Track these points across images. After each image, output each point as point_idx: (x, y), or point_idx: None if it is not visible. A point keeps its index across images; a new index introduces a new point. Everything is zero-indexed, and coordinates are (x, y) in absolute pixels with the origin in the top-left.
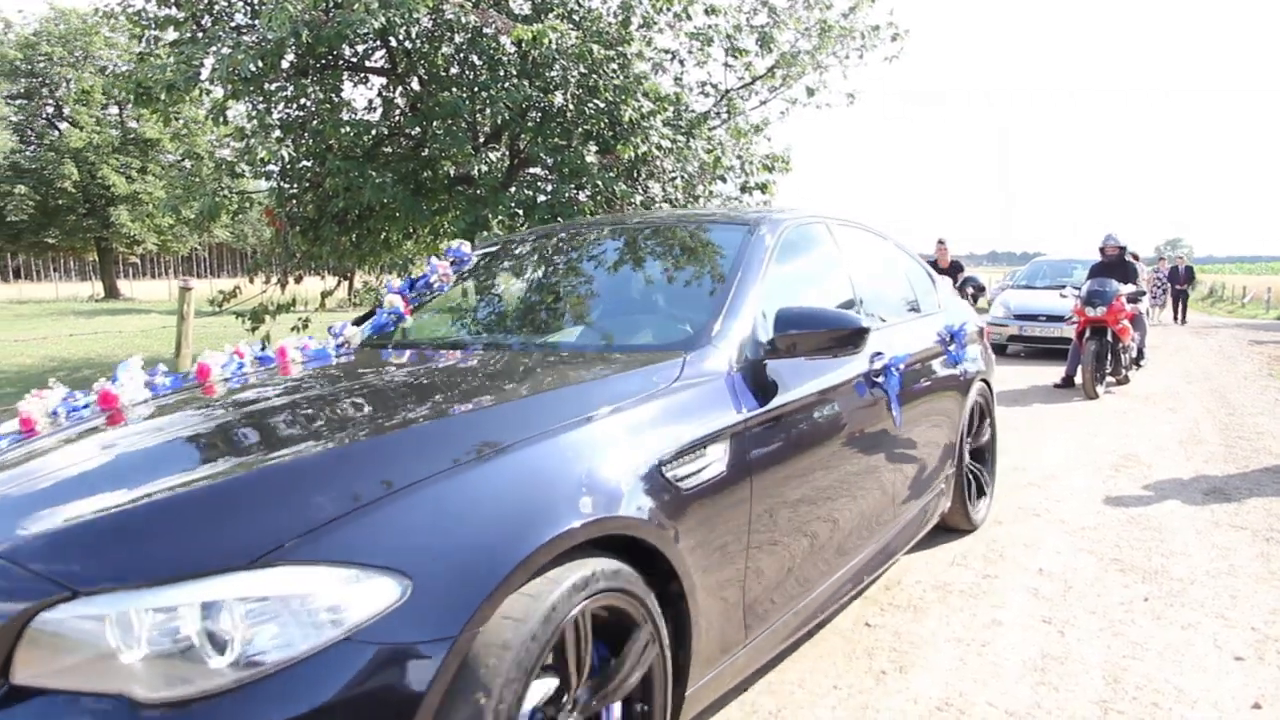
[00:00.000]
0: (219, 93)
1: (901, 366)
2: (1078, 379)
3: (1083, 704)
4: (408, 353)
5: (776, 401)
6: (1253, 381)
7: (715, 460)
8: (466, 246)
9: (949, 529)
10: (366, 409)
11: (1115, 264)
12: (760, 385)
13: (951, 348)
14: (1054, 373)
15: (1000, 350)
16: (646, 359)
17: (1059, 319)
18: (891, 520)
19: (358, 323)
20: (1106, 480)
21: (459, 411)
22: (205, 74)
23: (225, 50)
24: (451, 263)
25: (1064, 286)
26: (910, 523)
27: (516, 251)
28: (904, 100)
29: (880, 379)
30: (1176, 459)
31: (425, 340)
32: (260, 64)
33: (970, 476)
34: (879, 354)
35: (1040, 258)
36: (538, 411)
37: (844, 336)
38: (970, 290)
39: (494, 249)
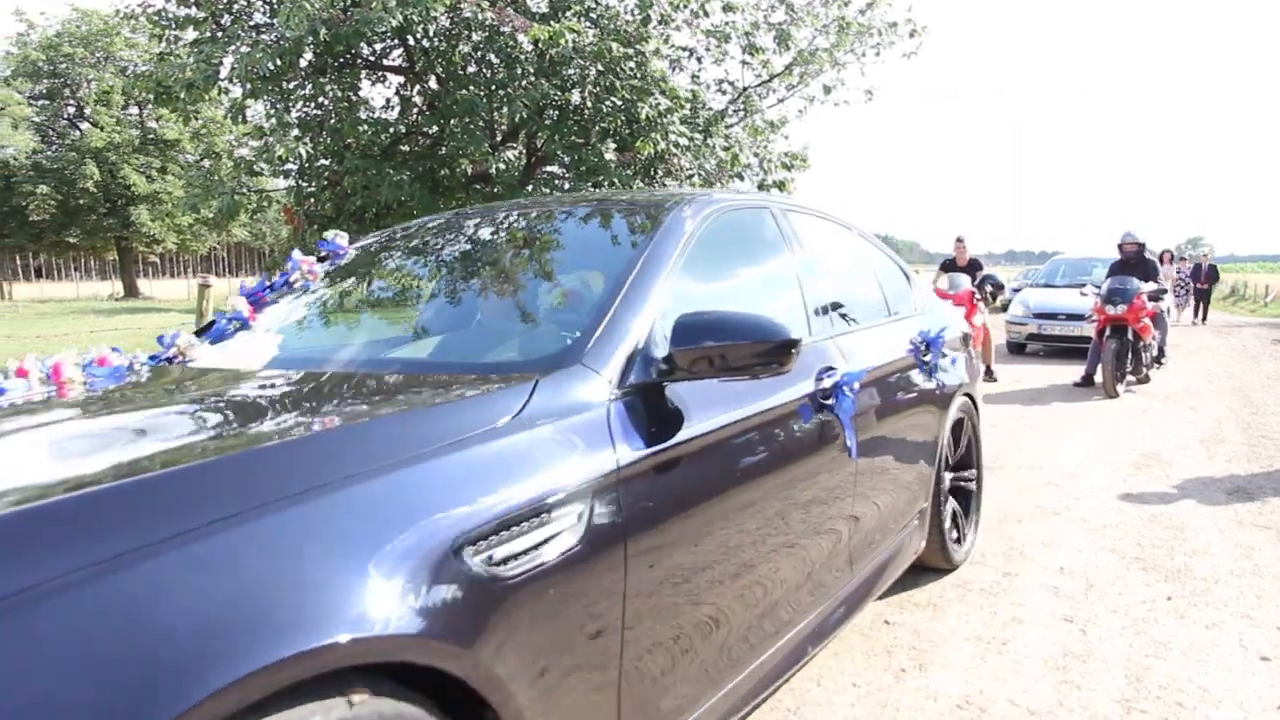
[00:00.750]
0: (238, 92)
1: (857, 385)
2: (1097, 378)
3: (1105, 702)
4: (197, 375)
5: (678, 437)
6: (1276, 381)
7: (565, 530)
8: (342, 238)
9: (923, 568)
10: (44, 464)
11: (1136, 262)
12: (654, 417)
13: (927, 358)
14: (1073, 371)
15: (1019, 349)
16: (483, 385)
17: (1078, 317)
18: (845, 577)
19: (201, 331)
20: (1127, 479)
21: (158, 472)
22: (224, 73)
23: (244, 49)
24: (321, 257)
25: (1083, 285)
26: (871, 576)
27: (398, 244)
28: (921, 97)
29: (831, 401)
30: (1198, 458)
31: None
32: (278, 62)
33: (951, 507)
34: (829, 369)
35: (1059, 256)
36: (274, 470)
37: (765, 351)
38: (989, 288)
39: (374, 240)
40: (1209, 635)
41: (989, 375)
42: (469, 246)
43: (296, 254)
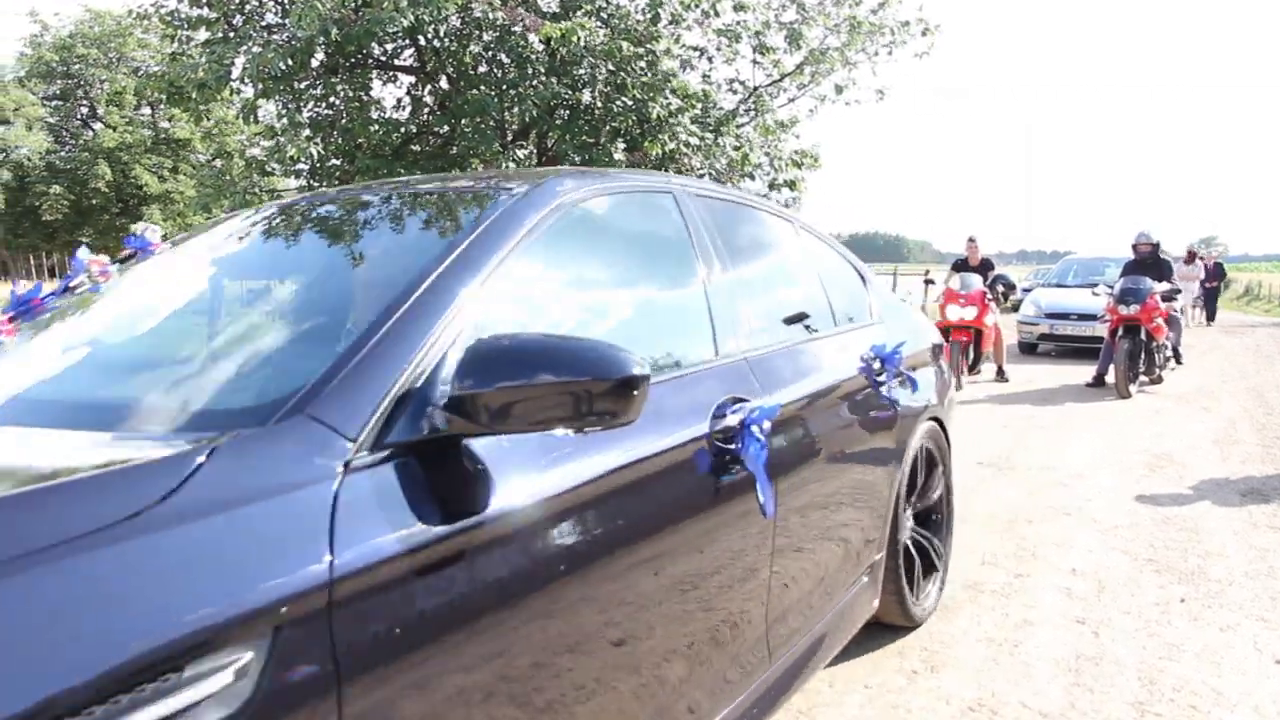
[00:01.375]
0: (249, 92)
1: (768, 424)
2: (1109, 378)
3: (1118, 705)
4: None
5: (462, 523)
6: None
7: (211, 698)
8: (154, 232)
9: (880, 624)
10: None
11: (1149, 262)
12: (424, 493)
13: (881, 377)
14: (1085, 372)
15: (1031, 349)
16: (122, 452)
17: (1090, 317)
18: (759, 669)
19: None
20: (1139, 480)
21: None
22: (236, 73)
23: (255, 49)
24: (125, 256)
25: (1095, 285)
26: (799, 660)
27: (206, 240)
28: (933, 96)
29: (736, 445)
30: (1212, 459)
31: None
32: (290, 63)
33: (915, 551)
34: (735, 403)
35: (1071, 256)
36: None
37: (593, 394)
38: (1001, 288)
39: (193, 235)
40: (1223, 638)
41: (1000, 375)
42: (220, 252)
43: (83, 252)
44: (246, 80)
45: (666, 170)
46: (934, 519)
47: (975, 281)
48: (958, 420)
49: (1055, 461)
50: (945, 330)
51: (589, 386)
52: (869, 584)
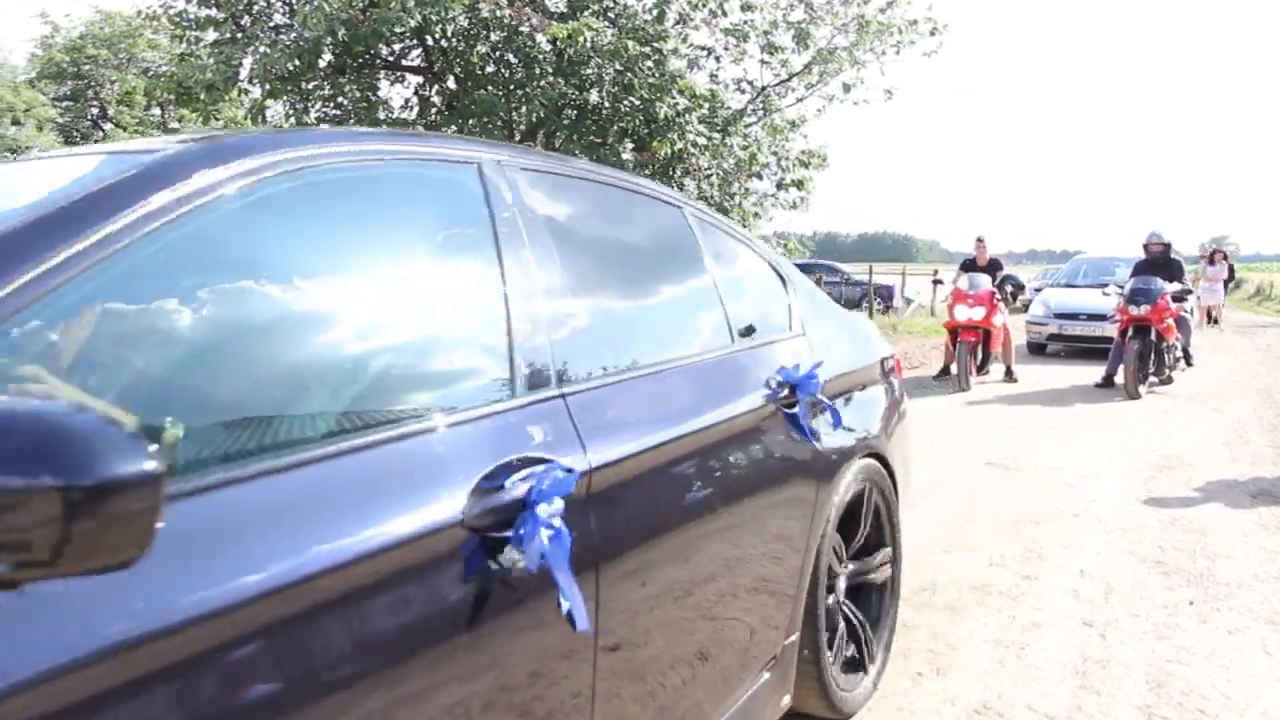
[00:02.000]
0: (257, 92)
1: (559, 501)
2: (1118, 379)
3: (1126, 709)
4: None
5: None
6: None
7: None
8: None
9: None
10: None
11: (1160, 262)
12: None
13: (794, 408)
14: (1094, 372)
15: (1040, 349)
16: None
17: (1100, 318)
18: None
19: None
20: (1148, 481)
21: None
22: (244, 74)
23: (263, 50)
24: None
25: (1105, 285)
26: None
27: None
28: (941, 95)
29: (516, 533)
30: (1221, 460)
31: None
32: (297, 63)
33: (844, 626)
34: (525, 467)
35: (1081, 255)
36: None
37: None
38: (1009, 288)
39: None
40: (1232, 641)
41: (1009, 376)
42: None
43: None
44: (254, 81)
45: (674, 169)
46: (875, 585)
47: (984, 282)
48: (966, 421)
49: (1063, 462)
50: (954, 331)
51: (38, 495)
52: (775, 679)
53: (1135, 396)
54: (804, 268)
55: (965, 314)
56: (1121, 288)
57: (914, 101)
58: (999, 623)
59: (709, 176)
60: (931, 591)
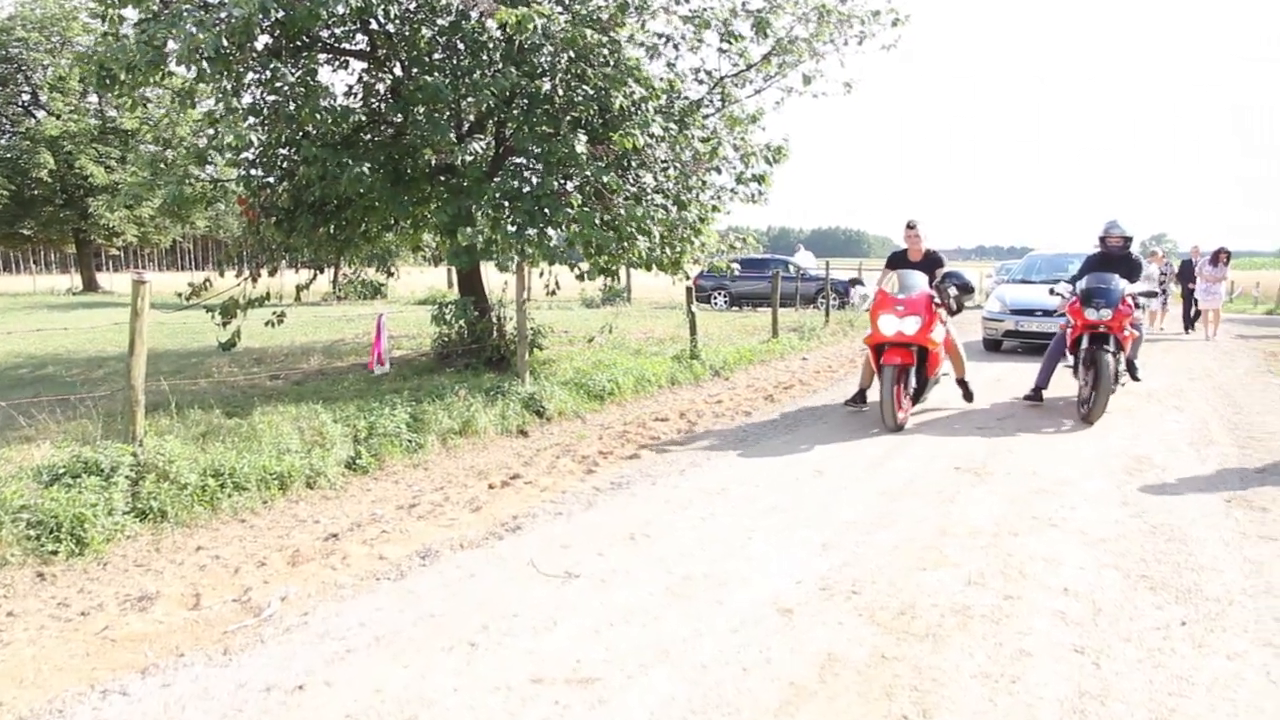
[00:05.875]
0: (187, 74)
1: None
2: (1081, 392)
3: None
4: None
5: None
6: (1254, 378)
7: None
8: None
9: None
10: None
11: (1118, 257)
12: None
13: None
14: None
15: (995, 346)
16: None
17: (1055, 313)
18: None
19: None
20: (1121, 485)
21: None
22: (171, 55)
23: (190, 29)
24: None
25: (1060, 281)
26: None
27: None
28: (894, 91)
29: None
30: (1190, 461)
31: None
32: (227, 44)
33: None
34: None
35: (1034, 252)
36: None
37: None
38: (952, 291)
39: None
40: (1233, 668)
41: (965, 391)
42: None
43: None
44: (181, 62)
45: (629, 161)
46: None
47: (918, 282)
48: (930, 425)
49: (1034, 466)
50: (878, 349)
51: None
52: None
53: (1090, 423)
54: (760, 263)
55: (893, 327)
56: (1073, 284)
57: (868, 96)
58: (985, 652)
59: (666, 169)
60: (910, 616)
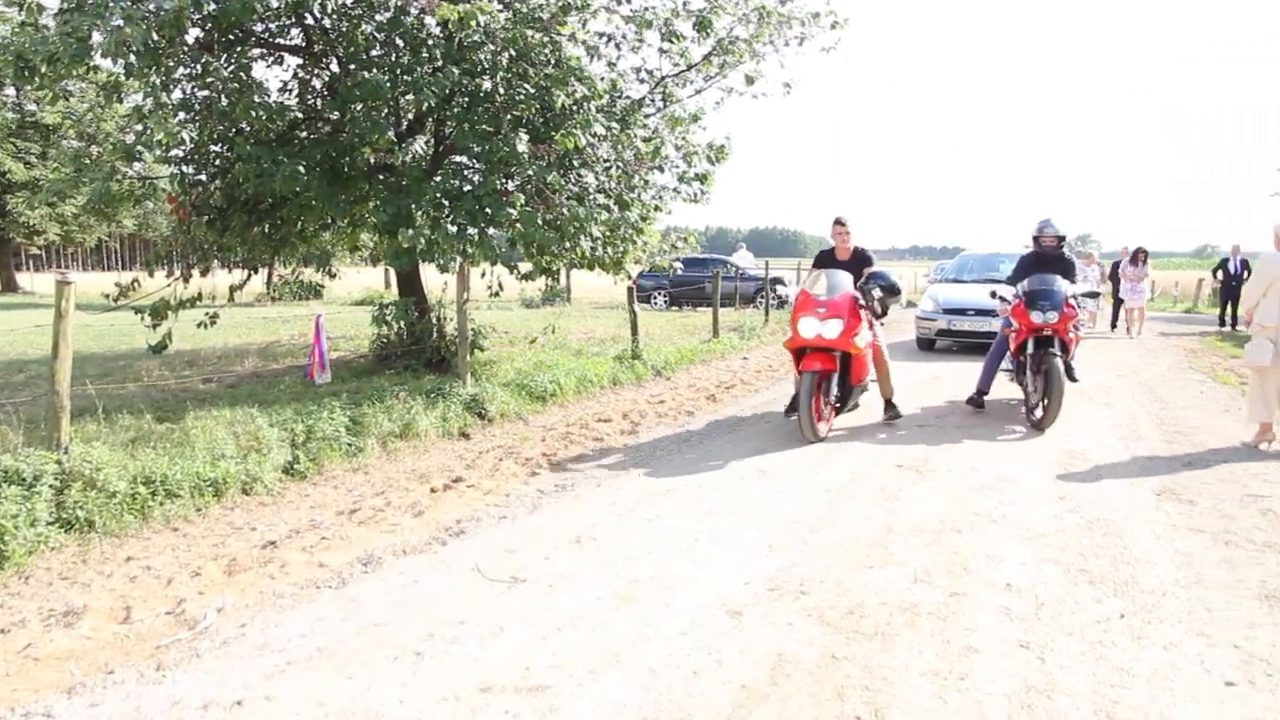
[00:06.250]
0: (114, 67)
1: None
2: (1030, 399)
3: None
4: None
5: None
6: (1176, 374)
7: None
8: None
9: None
10: None
11: (1052, 257)
12: None
13: None
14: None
15: (929, 345)
16: None
17: (988, 313)
18: None
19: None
20: (1057, 481)
21: None
22: (96, 47)
23: (116, 21)
24: None
25: (994, 280)
26: None
27: None
28: (832, 92)
29: None
30: (1121, 456)
31: None
32: (156, 37)
33: None
34: None
35: (966, 251)
36: None
37: None
38: (876, 292)
39: None
40: (1169, 658)
41: (890, 411)
42: None
43: None
44: (107, 55)
45: (572, 160)
46: None
47: (844, 282)
48: (870, 424)
49: (974, 463)
50: (798, 353)
51: None
52: None
53: (1043, 429)
54: (700, 262)
55: (812, 329)
56: (1015, 286)
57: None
58: (934, 649)
59: (609, 169)
60: (859, 615)
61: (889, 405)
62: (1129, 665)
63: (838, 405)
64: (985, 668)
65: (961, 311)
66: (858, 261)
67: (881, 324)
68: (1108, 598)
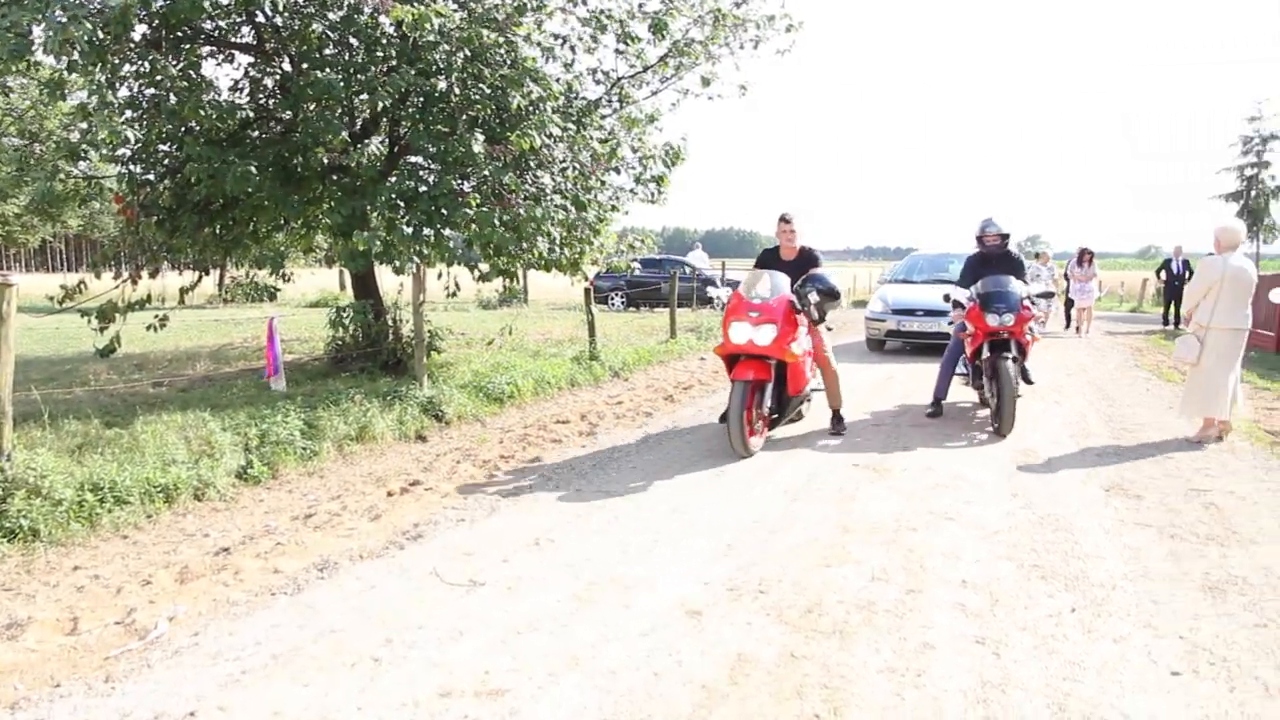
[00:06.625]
0: (56, 64)
1: None
2: (984, 406)
3: None
4: None
5: None
6: (1123, 373)
7: None
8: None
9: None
10: None
11: (1000, 257)
12: None
13: None
14: (935, 369)
15: (879, 346)
16: None
17: (938, 313)
18: None
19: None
20: (1011, 478)
21: None
22: (37, 43)
23: (60, 16)
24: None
25: (942, 280)
26: None
27: None
28: (788, 94)
29: None
30: (1071, 453)
31: None
32: (101, 35)
33: None
34: None
35: (915, 252)
36: None
37: None
38: (813, 297)
39: None
40: (1118, 650)
41: (837, 424)
42: None
43: None
44: (49, 52)
45: (528, 161)
46: None
47: (780, 284)
48: (826, 428)
49: (929, 461)
50: (730, 360)
51: None
52: None
53: (1007, 433)
54: (655, 263)
55: (744, 335)
56: (968, 288)
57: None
58: (891, 647)
59: (565, 170)
60: (817, 613)
61: (836, 417)
62: (1080, 659)
63: (774, 416)
64: (942, 664)
65: (910, 312)
66: (804, 262)
67: (829, 329)
68: (1059, 592)
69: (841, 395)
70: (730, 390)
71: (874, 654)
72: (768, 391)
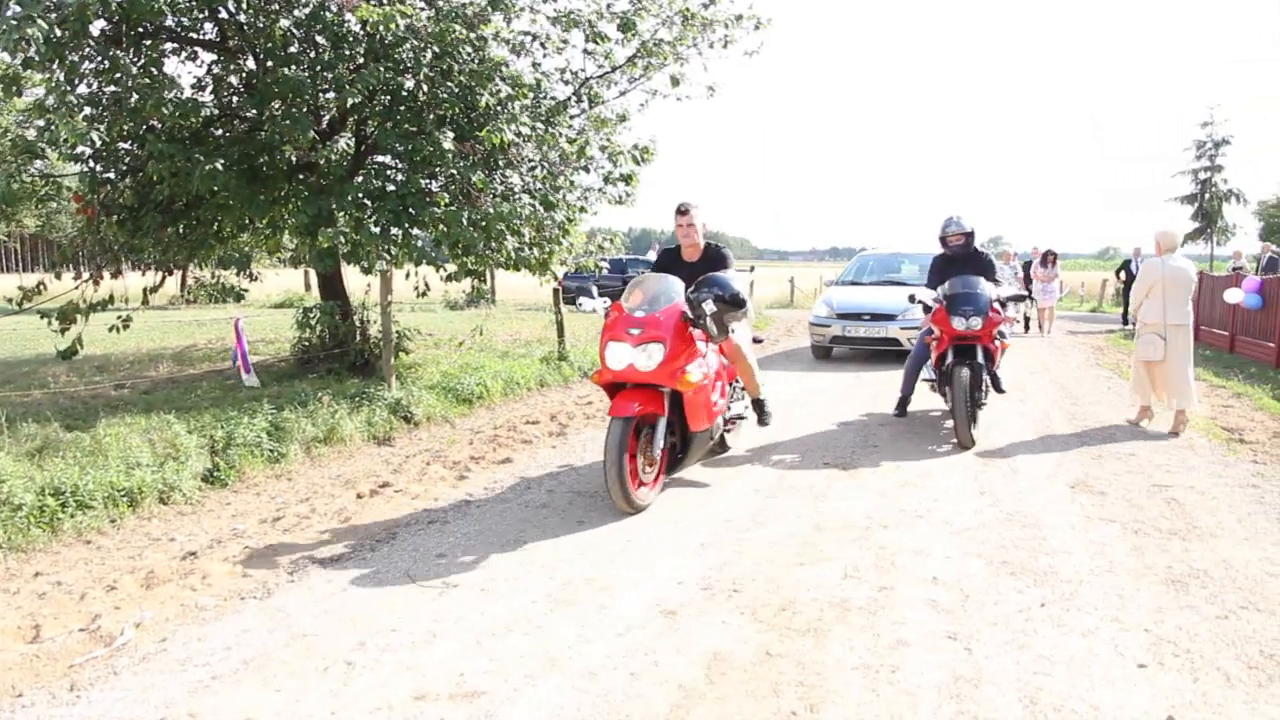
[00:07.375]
0: (12, 59)
1: None
2: (948, 421)
3: None
4: None
5: None
6: (1085, 371)
7: None
8: None
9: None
10: None
11: (965, 257)
12: None
13: None
14: (893, 376)
15: (826, 354)
16: None
17: (886, 317)
18: None
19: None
20: (978, 476)
21: None
22: None
23: (14, 11)
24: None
25: (892, 283)
26: None
27: None
28: (756, 94)
29: None
30: (1036, 450)
31: None
32: (60, 31)
33: None
34: None
35: (865, 251)
36: None
37: None
38: (709, 307)
39: None
40: (1087, 644)
41: (762, 415)
42: None
43: None
44: (4, 49)
45: (497, 160)
46: None
47: (672, 291)
48: (798, 423)
49: (897, 460)
50: (612, 389)
51: None
52: None
53: (969, 445)
54: (620, 264)
55: (623, 358)
56: (935, 289)
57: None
58: (865, 644)
59: (534, 169)
60: (791, 612)
61: (757, 405)
62: (1050, 653)
63: (679, 456)
64: (915, 660)
65: (856, 316)
66: (711, 264)
67: (758, 341)
68: (1028, 588)
69: (758, 384)
70: (608, 430)
71: (849, 651)
72: (659, 429)
